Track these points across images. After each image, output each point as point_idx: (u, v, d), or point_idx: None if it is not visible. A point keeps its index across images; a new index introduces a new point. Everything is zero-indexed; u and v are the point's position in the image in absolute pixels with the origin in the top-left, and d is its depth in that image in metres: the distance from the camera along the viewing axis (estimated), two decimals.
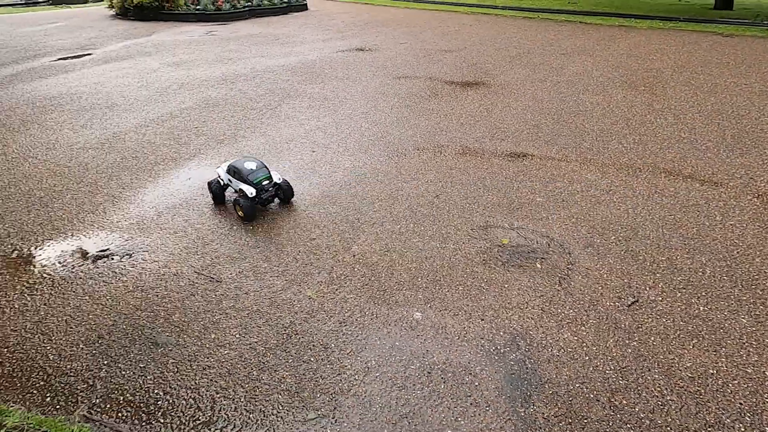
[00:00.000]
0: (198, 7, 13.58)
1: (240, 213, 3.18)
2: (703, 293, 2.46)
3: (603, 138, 4.57)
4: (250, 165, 3.23)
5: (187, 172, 3.99)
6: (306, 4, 16.21)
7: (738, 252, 2.79)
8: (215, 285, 2.58)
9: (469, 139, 4.60)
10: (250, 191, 3.12)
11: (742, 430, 1.76)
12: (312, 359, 2.09)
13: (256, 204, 3.21)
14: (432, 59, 8.05)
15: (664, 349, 2.12)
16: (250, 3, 14.36)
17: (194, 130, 4.94)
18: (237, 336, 2.22)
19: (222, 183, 3.38)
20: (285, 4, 15.25)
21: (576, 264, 2.72)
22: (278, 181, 3.29)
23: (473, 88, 6.34)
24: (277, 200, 3.41)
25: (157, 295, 2.50)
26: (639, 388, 1.94)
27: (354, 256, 2.82)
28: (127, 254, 2.86)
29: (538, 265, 2.72)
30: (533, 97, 5.86)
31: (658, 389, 1.93)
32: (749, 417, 1.80)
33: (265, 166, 3.29)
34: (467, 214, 3.26)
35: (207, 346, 2.17)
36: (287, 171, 3.96)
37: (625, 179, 3.74)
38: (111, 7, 14.43)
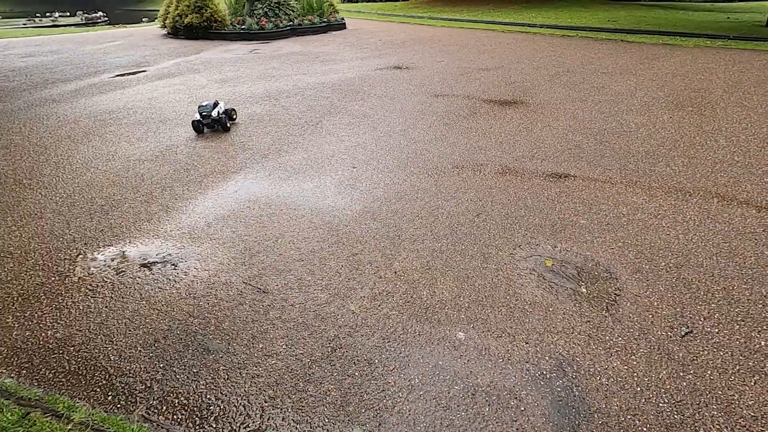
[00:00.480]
0: (243, 26, 14.28)
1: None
2: (765, 327, 2.33)
3: (649, 160, 4.45)
4: (204, 102, 5.58)
5: (235, 184, 4.17)
6: (345, 24, 16.73)
7: None
8: (262, 296, 2.67)
9: (508, 158, 4.59)
10: (196, 117, 5.51)
11: None
12: (356, 374, 2.13)
13: (199, 124, 5.50)
14: (469, 78, 8.10)
15: (723, 385, 2.02)
16: (291, 23, 14.96)
17: (240, 145, 5.16)
18: (284, 347, 2.29)
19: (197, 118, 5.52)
20: (325, 24, 15.79)
21: (624, 290, 2.65)
22: (214, 116, 5.50)
23: (512, 106, 6.33)
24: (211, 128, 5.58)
25: (208, 303, 2.62)
26: (695, 424, 1.85)
27: (395, 272, 2.85)
28: (180, 262, 3.01)
29: (584, 290, 2.66)
30: (574, 117, 5.79)
31: (717, 427, 1.84)
32: None
33: (215, 104, 5.55)
34: (509, 234, 3.24)
35: (255, 355, 2.24)
36: (329, 186, 4.07)
37: (674, 203, 3.62)
38: (163, 26, 15.39)
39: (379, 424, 1.88)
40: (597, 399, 1.97)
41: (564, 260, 2.95)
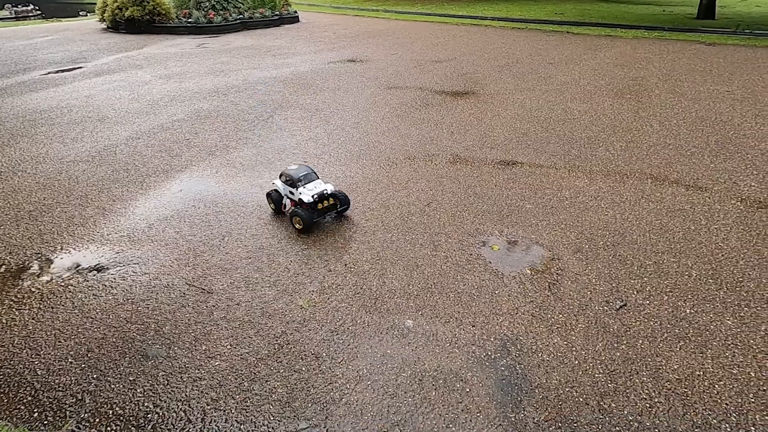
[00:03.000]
0: (190, 20, 13.67)
1: (297, 226, 3.08)
2: (690, 296, 2.50)
3: (591, 145, 4.65)
4: (294, 168, 3.18)
5: (179, 183, 3.99)
6: (298, 17, 16.37)
7: (723, 255, 2.85)
8: (206, 296, 2.57)
9: (459, 148, 4.66)
10: (307, 197, 2.94)
11: (728, 430, 1.79)
12: (303, 369, 2.09)
13: (314, 214, 3.05)
14: (422, 69, 8.15)
15: (652, 352, 2.14)
16: (242, 16, 14.47)
17: (185, 142, 4.95)
18: (228, 347, 2.22)
19: (279, 193, 3.33)
20: (277, 17, 15.39)
21: (565, 269, 2.76)
22: (333, 192, 3.11)
23: (463, 97, 6.42)
24: (333, 215, 3.24)
25: (148, 307, 2.49)
26: (627, 390, 1.96)
27: (345, 265, 2.83)
28: (117, 267, 2.85)
29: (528, 271, 2.75)
30: (522, 106, 5.95)
31: (646, 392, 1.95)
32: (735, 417, 1.83)
33: (314, 173, 3.22)
34: (458, 222, 3.29)
35: (198, 357, 2.16)
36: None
37: (612, 185, 3.81)
38: (102, 20, 14.46)
39: (326, 417, 1.86)
40: (538, 375, 2.04)
41: (510, 244, 3.03)
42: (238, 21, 14.23)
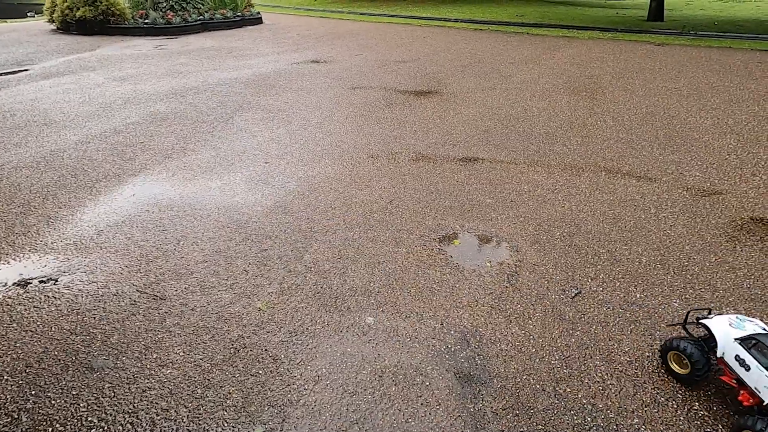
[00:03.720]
0: (146, 21, 13.19)
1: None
2: (640, 281, 2.60)
3: (549, 141, 4.78)
4: (744, 320, 1.86)
5: (132, 188, 3.82)
6: (261, 18, 16.11)
7: (670, 241, 2.98)
8: (159, 303, 2.46)
9: (422, 146, 4.68)
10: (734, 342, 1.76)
11: (675, 407, 1.86)
12: (260, 372, 2.03)
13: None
14: (387, 70, 8.17)
15: (605, 336, 2.21)
16: (202, 17, 14.10)
17: (140, 146, 4.75)
18: (181, 354, 2.13)
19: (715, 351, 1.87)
20: (239, 18, 15.08)
21: (524, 261, 2.81)
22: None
23: (426, 96, 6.48)
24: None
25: (95, 317, 2.36)
26: (582, 375, 2.01)
27: (306, 265, 2.78)
28: (62, 276, 2.68)
29: (488, 264, 2.78)
30: (483, 104, 6.06)
31: (600, 375, 2.00)
32: (681, 395, 1.90)
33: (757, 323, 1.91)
34: (420, 218, 3.30)
35: (148, 366, 2.06)
36: (239, 183, 3.88)
37: (569, 178, 3.92)
38: (51, 21, 13.75)
39: (283, 420, 1.81)
40: (497, 365, 2.06)
41: (471, 238, 3.06)
42: (199, 22, 13.85)
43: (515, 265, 2.76)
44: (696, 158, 4.29)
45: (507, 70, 8.04)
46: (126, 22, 13.16)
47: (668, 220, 3.23)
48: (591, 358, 2.09)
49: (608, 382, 1.96)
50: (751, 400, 1.69)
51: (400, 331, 2.26)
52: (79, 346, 2.18)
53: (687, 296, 2.47)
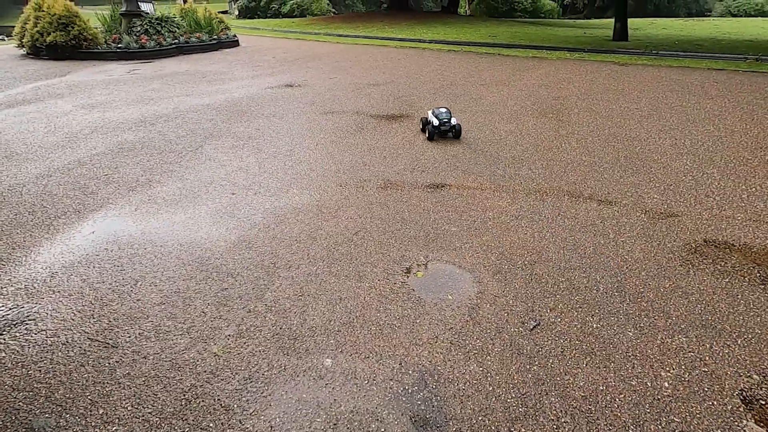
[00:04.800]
0: (120, 45, 13.11)
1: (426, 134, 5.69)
2: (597, 310, 2.64)
3: (515, 165, 4.88)
4: (441, 109, 5.66)
5: (91, 225, 3.73)
6: (237, 41, 16.21)
7: (627, 267, 3.05)
8: (110, 351, 2.38)
9: (390, 173, 4.72)
10: (435, 122, 5.55)
11: None
12: (211, 425, 1.97)
13: (435, 131, 5.59)
14: (360, 93, 8.28)
15: (561, 371, 2.22)
16: (177, 40, 14.09)
17: (104, 178, 4.66)
18: (129, 408, 2.05)
19: (427, 119, 5.69)
20: (215, 41, 15.14)
21: (485, 292, 2.83)
22: (453, 123, 5.58)
23: (398, 120, 6.57)
24: (450, 134, 5.66)
25: (40, 370, 2.26)
26: (537, 414, 2.01)
27: (266, 304, 2.74)
28: (8, 326, 2.58)
29: (450, 297, 2.79)
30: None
31: (554, 413, 2.01)
32: (632, 429, 1.92)
33: (449, 112, 5.66)
34: (385, 250, 3.30)
35: (92, 424, 1.97)
36: (204, 216, 3.83)
37: (533, 204, 4.00)
38: (21, 46, 13.54)
39: None
40: (453, 406, 2.05)
41: (434, 270, 3.07)
42: (174, 46, 13.85)
43: (477, 298, 2.78)
44: (655, 180, 4.43)
45: (477, 92, 8.24)
46: (99, 47, 13.06)
47: (626, 245, 3.31)
48: (547, 394, 2.10)
49: (562, 420, 1.97)
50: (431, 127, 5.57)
51: (358, 373, 2.23)
52: (21, 403, 2.08)
53: (641, 324, 2.52)
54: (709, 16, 37.91)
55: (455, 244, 3.37)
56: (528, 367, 2.25)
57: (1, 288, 2.92)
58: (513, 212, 3.84)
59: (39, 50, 12.82)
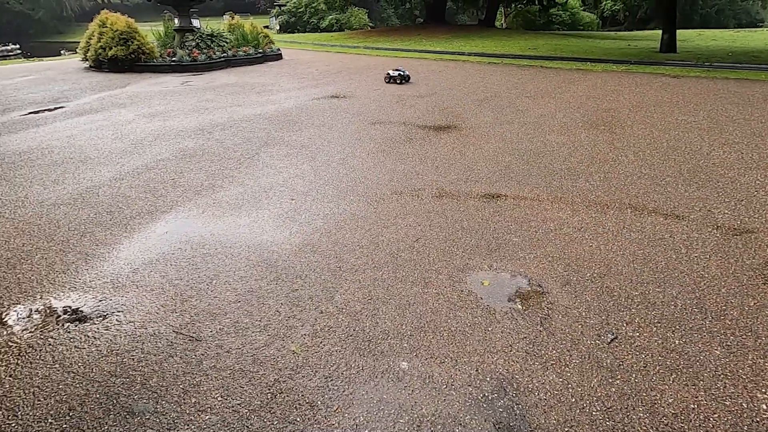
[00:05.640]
0: (174, 58, 13.87)
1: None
2: (677, 326, 2.55)
3: (571, 176, 4.81)
4: (397, 68, 9.97)
5: (164, 225, 3.94)
6: (281, 54, 16.80)
7: (705, 283, 2.93)
8: (195, 344, 2.50)
9: (444, 182, 4.75)
10: (391, 75, 9.99)
11: None
12: (298, 419, 2.03)
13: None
14: (404, 105, 8.39)
15: (646, 386, 2.16)
16: (225, 54, 14.77)
17: (170, 182, 4.92)
18: (219, 398, 2.14)
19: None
20: (260, 55, 15.76)
21: (555, 303, 2.79)
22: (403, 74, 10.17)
23: (445, 131, 6.61)
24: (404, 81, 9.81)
25: (133, 359, 2.40)
26: (625, 428, 1.95)
27: (337, 306, 2.80)
28: (100, 316, 2.75)
29: (519, 306, 2.77)
30: (502, 139, 6.15)
31: (644, 428, 1.95)
32: None
33: (401, 69, 10.04)
34: (447, 257, 3.32)
35: (187, 411, 2.08)
36: (267, 220, 3.97)
37: (594, 216, 3.92)
38: (85, 59, 14.55)
39: None
40: (536, 415, 2.03)
41: (500, 279, 3.06)
42: (222, 59, 14.51)
43: (547, 308, 2.74)
44: (723, 195, 4.26)
45: (523, 104, 8.18)
46: (154, 60, 13.85)
47: (701, 261, 3.19)
48: (633, 409, 2.04)
49: None
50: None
51: (435, 378, 2.24)
52: (119, 388, 2.22)
53: (728, 343, 2.41)
54: (761, 26, 36.21)
55: (518, 254, 3.35)
56: (610, 380, 2.20)
57: (91, 281, 3.13)
58: (575, 224, 3.78)
59: (101, 63, 13.73)
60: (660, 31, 16.58)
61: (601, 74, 11.22)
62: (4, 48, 31.57)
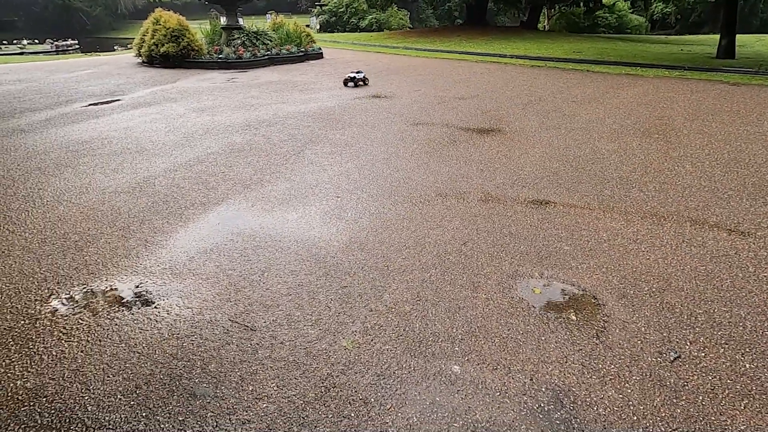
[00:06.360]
0: (220, 55, 14.35)
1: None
2: (748, 349, 2.41)
3: (623, 185, 4.63)
4: (356, 71, 10.35)
5: (216, 216, 4.09)
6: (322, 53, 17.05)
7: None
8: (250, 333, 2.58)
9: (490, 186, 4.69)
10: (350, 77, 10.10)
11: None
12: (352, 415, 2.05)
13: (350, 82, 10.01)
14: (447, 106, 8.34)
15: (715, 410, 2.05)
16: (269, 52, 15.14)
17: (221, 175, 5.09)
18: (275, 388, 2.20)
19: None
20: (302, 53, 16.05)
21: (611, 316, 2.69)
22: (362, 77, 10.32)
23: (489, 134, 6.52)
24: (361, 83, 10.16)
25: (193, 344, 2.50)
26: None
27: (386, 305, 2.82)
28: (161, 300, 2.89)
29: (573, 317, 2.69)
30: (549, 144, 6.00)
31: None
32: None
33: (361, 72, 10.29)
34: (496, 263, 3.27)
35: (245, 398, 2.14)
36: (314, 216, 4.05)
37: (650, 228, 3.76)
38: (138, 55, 15.29)
39: None
40: (596, 431, 1.96)
41: (552, 288, 2.99)
42: (266, 57, 14.88)
43: (603, 321, 2.66)
44: None
45: (570, 108, 7.96)
46: (202, 57, 14.37)
47: None
48: None
49: None
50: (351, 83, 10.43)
51: (488, 384, 2.22)
52: (181, 371, 2.31)
53: None
54: None
55: (570, 263, 3.26)
56: (674, 401, 2.10)
57: (150, 267, 3.28)
58: (629, 235, 3.64)
59: (153, 59, 14.39)
60: (714, 36, 15.71)
61: (653, 80, 10.75)
62: (64, 43, 33.65)
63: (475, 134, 6.53)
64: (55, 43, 33.31)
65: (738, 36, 16.04)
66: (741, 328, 2.57)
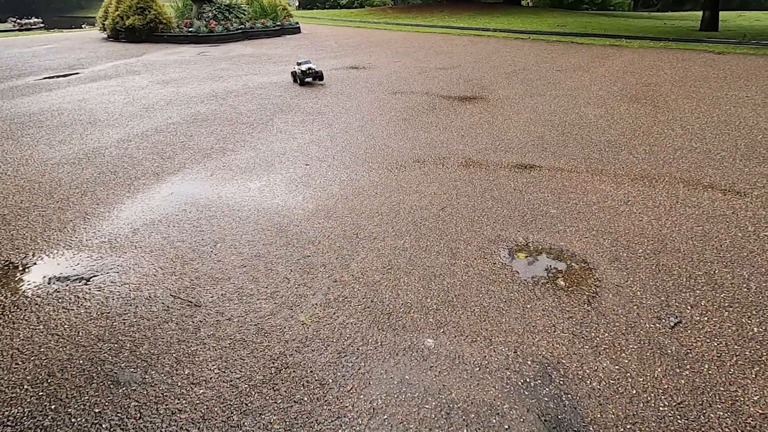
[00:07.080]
0: (191, 29, 13.56)
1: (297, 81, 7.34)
2: (754, 312, 2.16)
3: (612, 149, 4.35)
4: (304, 59, 7.35)
5: (170, 186, 3.67)
6: (299, 28, 16.33)
7: None
8: (193, 310, 2.23)
9: (471, 151, 4.36)
10: (300, 71, 7.15)
11: None
12: (305, 399, 1.73)
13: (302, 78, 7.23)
14: (427, 76, 7.93)
15: (724, 380, 1.79)
16: (243, 26, 14.39)
17: (180, 145, 4.65)
18: (216, 371, 1.86)
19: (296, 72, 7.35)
20: (278, 27, 15.32)
21: (604, 280, 2.42)
22: (316, 70, 7.24)
23: (471, 102, 6.16)
24: (316, 80, 7.38)
25: (125, 323, 2.14)
26: (702, 428, 1.60)
27: (353, 275, 2.49)
28: (93, 276, 2.50)
29: (562, 282, 2.41)
30: (534, 110, 5.68)
31: (727, 429, 1.59)
32: None
33: (311, 62, 7.36)
34: (477, 227, 2.96)
35: (179, 384, 1.80)
36: (279, 184, 3.67)
37: (642, 190, 3.49)
38: (103, 29, 14.37)
39: None
40: (590, 407, 1.69)
41: (538, 252, 2.70)
42: (240, 31, 14.14)
43: (595, 285, 2.38)
44: None
45: (555, 77, 7.63)
46: (171, 31, 13.57)
47: None
48: (710, 406, 1.68)
49: None
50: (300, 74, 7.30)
51: (467, 358, 1.92)
52: (106, 354, 1.95)
53: None
54: None
55: (558, 226, 2.97)
56: (677, 371, 1.84)
57: (87, 240, 2.88)
58: (620, 197, 3.36)
59: (119, 33, 13.53)
60: (697, 12, 15.51)
61: (638, 50, 10.49)
62: (27, 21, 31.73)
63: (457, 102, 6.16)
64: (18, 20, 31.40)
65: (720, 12, 15.84)
66: (745, 289, 2.32)
